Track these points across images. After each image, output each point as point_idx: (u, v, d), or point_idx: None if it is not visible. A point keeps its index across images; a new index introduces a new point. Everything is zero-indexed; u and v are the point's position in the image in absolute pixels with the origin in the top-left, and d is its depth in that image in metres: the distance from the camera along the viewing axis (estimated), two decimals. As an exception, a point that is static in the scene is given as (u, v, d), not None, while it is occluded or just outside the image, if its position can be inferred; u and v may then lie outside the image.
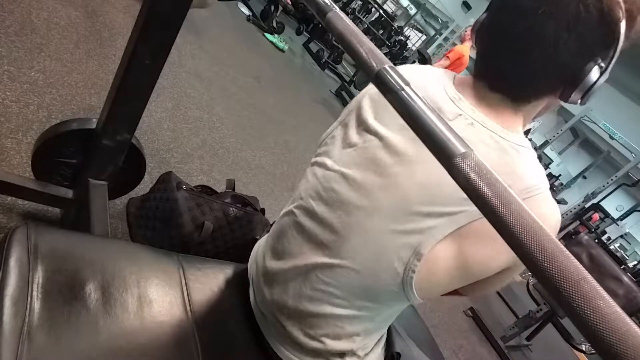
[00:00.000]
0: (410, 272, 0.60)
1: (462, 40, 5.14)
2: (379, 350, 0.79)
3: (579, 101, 0.61)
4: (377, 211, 0.62)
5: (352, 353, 0.72)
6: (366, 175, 0.64)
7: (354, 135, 0.69)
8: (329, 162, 0.70)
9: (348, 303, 0.66)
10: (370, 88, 0.72)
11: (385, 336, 0.82)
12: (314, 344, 0.70)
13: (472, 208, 0.51)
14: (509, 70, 0.62)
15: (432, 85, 0.66)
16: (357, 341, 0.71)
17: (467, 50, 5.02)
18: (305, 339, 0.70)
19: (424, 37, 15.13)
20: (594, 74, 0.57)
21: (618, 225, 6.92)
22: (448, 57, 4.98)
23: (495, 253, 0.59)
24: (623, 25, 0.56)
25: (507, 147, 0.60)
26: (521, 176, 0.59)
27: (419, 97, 0.42)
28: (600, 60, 0.57)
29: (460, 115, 0.61)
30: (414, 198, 0.59)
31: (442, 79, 0.68)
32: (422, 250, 0.59)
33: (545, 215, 0.60)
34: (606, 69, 0.58)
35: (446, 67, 4.97)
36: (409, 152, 0.62)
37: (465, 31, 5.21)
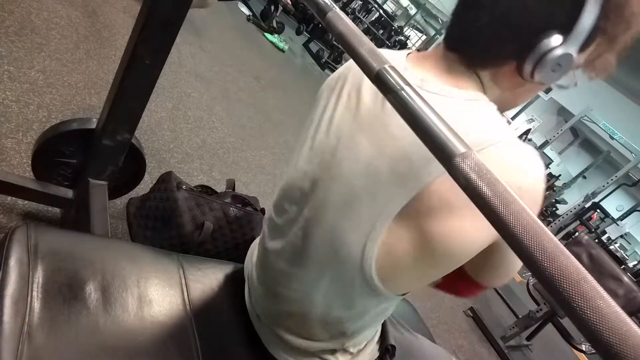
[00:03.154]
0: (369, 259, 0.56)
1: None
2: (373, 346, 0.78)
3: (533, 76, 0.54)
4: (327, 205, 0.60)
5: (344, 350, 0.72)
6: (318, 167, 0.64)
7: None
8: None
9: (333, 303, 0.66)
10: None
11: (379, 331, 0.82)
12: (305, 343, 0.70)
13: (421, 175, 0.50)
14: (464, 25, 0.58)
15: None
16: (348, 339, 0.70)
17: None
18: (295, 338, 0.70)
19: (424, 37, 15.13)
20: (551, 41, 0.51)
21: (618, 225, 6.92)
22: None
23: (462, 224, 0.52)
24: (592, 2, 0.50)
25: (449, 105, 0.54)
26: (465, 132, 0.44)
27: (419, 97, 0.42)
28: (561, 32, 0.51)
29: None
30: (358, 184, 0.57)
31: (398, 55, 0.64)
32: (374, 235, 0.55)
33: (509, 169, 0.51)
34: (566, 41, 0.51)
35: None
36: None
37: None
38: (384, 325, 0.83)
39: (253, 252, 0.84)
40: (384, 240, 0.55)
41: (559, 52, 0.51)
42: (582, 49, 0.53)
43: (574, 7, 0.50)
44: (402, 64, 0.61)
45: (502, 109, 0.60)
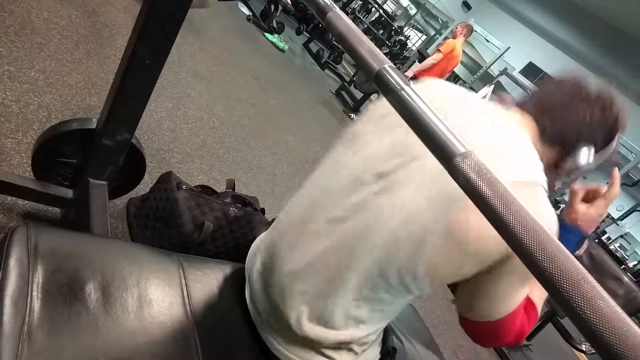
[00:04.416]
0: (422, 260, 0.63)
1: (454, 36, 5.14)
2: (375, 347, 0.80)
3: (565, 164, 0.76)
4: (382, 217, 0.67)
5: (349, 350, 0.73)
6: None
7: None
8: None
9: (345, 301, 0.68)
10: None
11: (382, 333, 0.83)
12: (310, 338, 0.71)
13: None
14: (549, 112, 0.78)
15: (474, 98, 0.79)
16: (354, 337, 0.72)
17: (459, 45, 5.03)
18: (300, 334, 0.71)
19: (424, 37, 15.13)
20: (585, 152, 0.75)
21: (618, 225, 6.92)
22: (440, 50, 4.99)
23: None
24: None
25: (513, 141, 0.70)
26: (521, 161, 0.67)
27: (419, 97, 0.42)
28: (594, 146, 0.75)
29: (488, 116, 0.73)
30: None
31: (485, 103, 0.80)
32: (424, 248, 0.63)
33: (542, 211, 0.64)
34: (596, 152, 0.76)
35: (439, 61, 4.98)
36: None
37: (457, 27, 5.21)
38: (385, 330, 0.84)
39: (256, 251, 0.85)
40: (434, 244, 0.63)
41: (586, 160, 0.75)
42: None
43: (604, 141, 0.77)
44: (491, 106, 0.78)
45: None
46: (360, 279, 0.67)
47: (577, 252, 0.82)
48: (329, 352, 0.72)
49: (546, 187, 0.66)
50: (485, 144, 0.65)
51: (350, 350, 0.73)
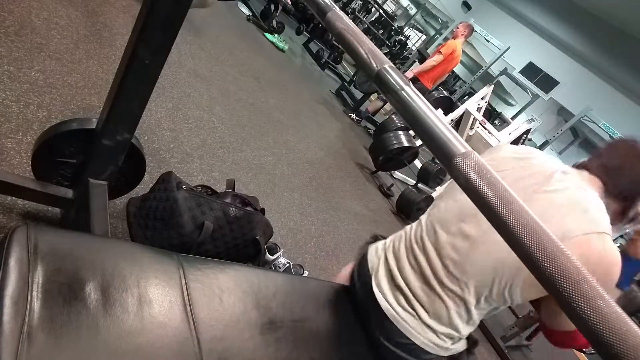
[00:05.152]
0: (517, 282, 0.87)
1: (455, 37, 5.12)
2: (464, 339, 1.02)
3: (628, 217, 0.94)
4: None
5: (455, 337, 0.97)
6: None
7: None
8: None
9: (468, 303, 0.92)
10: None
11: None
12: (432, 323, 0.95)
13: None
14: (611, 173, 0.94)
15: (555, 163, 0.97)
16: (461, 329, 0.95)
17: (459, 45, 5.02)
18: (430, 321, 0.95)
19: (424, 37, 15.13)
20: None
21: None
22: (440, 51, 4.98)
23: None
24: None
25: (585, 195, 0.88)
26: (592, 214, 0.84)
27: (419, 97, 0.42)
28: None
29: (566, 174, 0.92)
30: None
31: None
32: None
33: (609, 254, 0.81)
34: None
35: (440, 62, 4.97)
36: None
37: (457, 27, 5.20)
38: None
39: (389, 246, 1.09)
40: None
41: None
42: None
43: None
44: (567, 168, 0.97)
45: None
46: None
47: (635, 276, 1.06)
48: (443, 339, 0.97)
49: (611, 234, 0.82)
50: (565, 201, 0.85)
51: (452, 337, 0.97)
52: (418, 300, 0.96)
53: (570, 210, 0.84)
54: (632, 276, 1.02)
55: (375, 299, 0.99)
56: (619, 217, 0.95)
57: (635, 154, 0.92)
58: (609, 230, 0.83)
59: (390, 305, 0.98)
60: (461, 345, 1.00)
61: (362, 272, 1.08)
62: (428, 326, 0.94)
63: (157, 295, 0.71)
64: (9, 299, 0.55)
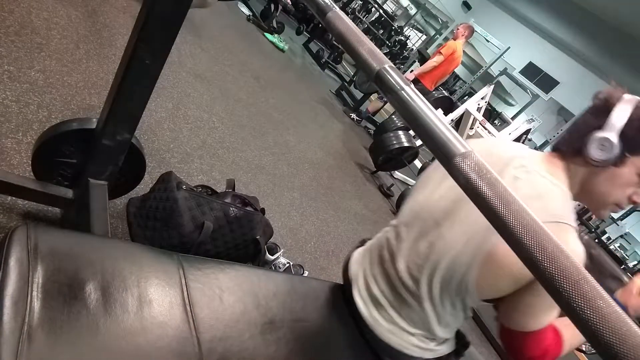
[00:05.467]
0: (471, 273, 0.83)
1: (455, 37, 5.12)
2: (451, 341, 1.00)
3: (590, 155, 0.81)
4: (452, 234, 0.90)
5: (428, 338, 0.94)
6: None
7: None
8: None
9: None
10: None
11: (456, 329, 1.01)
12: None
13: None
14: (559, 136, 0.93)
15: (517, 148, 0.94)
16: (437, 331, 0.92)
17: (460, 46, 5.01)
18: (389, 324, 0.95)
19: (424, 37, 15.12)
20: (595, 135, 0.82)
21: (618, 225, 6.92)
22: (441, 52, 4.97)
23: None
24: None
25: (543, 182, 0.83)
26: (547, 202, 0.80)
27: (419, 97, 0.42)
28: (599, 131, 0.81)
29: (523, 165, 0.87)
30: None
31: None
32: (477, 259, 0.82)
33: (570, 246, 0.74)
34: (603, 130, 0.81)
35: (440, 63, 4.97)
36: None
37: (458, 28, 5.19)
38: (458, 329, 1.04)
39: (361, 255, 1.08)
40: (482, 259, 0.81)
41: (598, 135, 0.80)
42: (632, 151, 0.80)
43: (605, 116, 0.81)
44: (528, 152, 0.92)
45: (588, 199, 0.89)
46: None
47: None
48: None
49: (575, 226, 0.78)
50: (519, 189, 0.81)
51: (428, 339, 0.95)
52: (390, 304, 0.95)
53: (524, 199, 0.77)
54: None
55: (356, 305, 0.99)
56: (591, 179, 0.86)
57: (586, 111, 0.89)
58: (571, 221, 0.78)
59: (369, 311, 0.97)
60: (448, 347, 0.99)
61: (346, 278, 1.08)
62: (404, 330, 0.93)
63: (157, 295, 0.71)
64: (9, 299, 0.55)
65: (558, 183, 0.84)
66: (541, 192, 0.81)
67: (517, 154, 0.90)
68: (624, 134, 0.79)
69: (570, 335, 0.85)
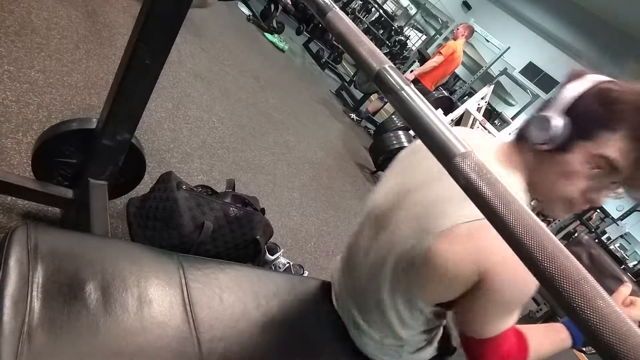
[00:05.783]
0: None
1: (455, 38, 5.11)
2: (434, 345, 0.93)
3: (532, 138, 0.72)
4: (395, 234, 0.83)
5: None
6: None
7: None
8: None
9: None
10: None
11: (440, 333, 0.95)
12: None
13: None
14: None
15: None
16: (403, 335, 0.86)
17: (460, 46, 5.01)
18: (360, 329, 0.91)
19: (424, 37, 15.12)
20: (536, 119, 0.75)
21: (618, 225, 6.91)
22: (441, 52, 4.96)
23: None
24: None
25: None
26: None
27: (419, 97, 0.42)
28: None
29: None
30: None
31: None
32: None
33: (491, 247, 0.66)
34: (543, 110, 0.75)
35: (440, 63, 4.96)
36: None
37: (458, 28, 5.18)
38: (446, 329, 0.98)
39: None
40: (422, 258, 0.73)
41: (538, 114, 0.73)
42: (581, 134, 0.68)
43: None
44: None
45: (539, 191, 0.77)
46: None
47: None
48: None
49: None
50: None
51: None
52: (361, 315, 0.91)
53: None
54: None
55: (336, 311, 0.99)
56: (537, 162, 0.75)
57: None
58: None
59: (347, 322, 0.96)
60: (428, 353, 0.93)
61: (332, 283, 1.06)
62: (376, 340, 0.90)
63: (157, 295, 0.71)
64: (9, 299, 0.55)
65: (508, 173, 0.75)
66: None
67: (480, 145, 0.81)
68: (571, 114, 0.69)
69: (539, 343, 0.78)
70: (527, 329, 0.78)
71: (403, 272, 0.77)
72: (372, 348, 0.92)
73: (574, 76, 0.74)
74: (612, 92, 0.68)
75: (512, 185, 0.74)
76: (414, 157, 0.91)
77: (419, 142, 0.86)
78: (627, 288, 0.85)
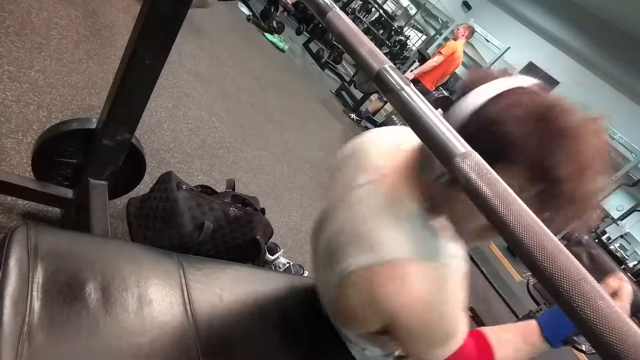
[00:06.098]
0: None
1: (455, 38, 5.11)
2: None
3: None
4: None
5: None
6: None
7: None
8: None
9: None
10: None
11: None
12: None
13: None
14: None
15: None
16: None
17: (460, 47, 5.00)
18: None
19: (424, 37, 15.12)
20: None
21: (618, 225, 6.91)
22: (441, 52, 4.96)
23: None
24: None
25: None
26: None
27: (419, 97, 0.42)
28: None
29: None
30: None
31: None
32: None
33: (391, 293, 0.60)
34: None
35: (440, 63, 4.96)
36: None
37: (458, 28, 5.17)
38: None
39: None
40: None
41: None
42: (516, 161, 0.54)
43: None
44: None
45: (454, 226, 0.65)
46: None
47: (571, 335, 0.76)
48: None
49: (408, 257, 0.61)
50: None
51: None
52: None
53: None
54: (567, 333, 0.74)
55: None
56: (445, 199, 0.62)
57: None
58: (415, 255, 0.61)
59: None
60: None
61: None
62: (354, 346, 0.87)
63: (157, 295, 0.71)
64: (9, 299, 0.55)
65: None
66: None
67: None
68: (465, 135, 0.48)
69: (513, 348, 0.71)
70: (496, 332, 0.72)
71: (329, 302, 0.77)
72: (359, 356, 0.88)
73: (479, 79, 0.59)
74: (499, 112, 0.53)
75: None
76: (344, 165, 0.79)
77: (359, 140, 0.79)
78: (615, 281, 0.76)
